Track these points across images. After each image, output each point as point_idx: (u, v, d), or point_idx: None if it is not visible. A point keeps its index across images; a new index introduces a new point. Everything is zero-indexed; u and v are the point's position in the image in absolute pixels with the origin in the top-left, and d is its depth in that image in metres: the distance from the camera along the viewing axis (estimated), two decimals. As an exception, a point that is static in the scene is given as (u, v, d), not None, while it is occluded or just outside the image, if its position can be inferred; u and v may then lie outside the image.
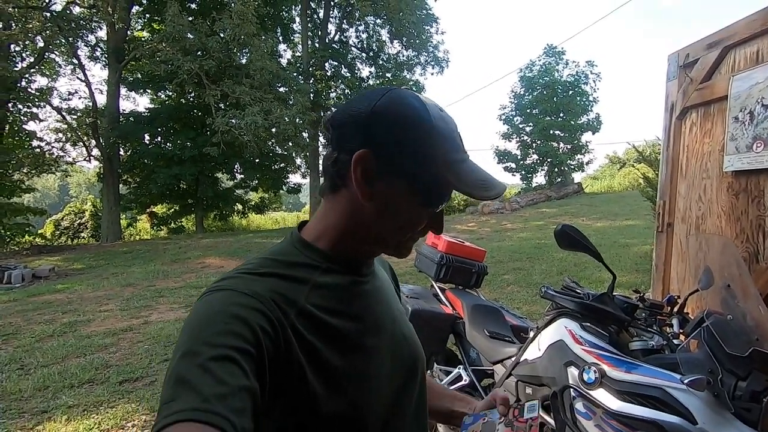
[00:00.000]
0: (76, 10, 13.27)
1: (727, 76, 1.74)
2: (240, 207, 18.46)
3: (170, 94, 15.82)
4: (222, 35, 12.53)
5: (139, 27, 16.02)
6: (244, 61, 13.92)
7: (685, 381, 1.10)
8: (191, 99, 15.35)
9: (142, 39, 14.43)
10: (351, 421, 0.58)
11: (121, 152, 14.98)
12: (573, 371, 1.41)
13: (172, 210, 17.19)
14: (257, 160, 16.07)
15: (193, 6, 14.77)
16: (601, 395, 1.30)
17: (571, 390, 1.38)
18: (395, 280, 0.85)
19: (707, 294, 1.42)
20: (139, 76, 15.32)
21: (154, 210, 17.44)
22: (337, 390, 0.56)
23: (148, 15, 15.29)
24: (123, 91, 15.20)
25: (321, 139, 18.24)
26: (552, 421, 1.49)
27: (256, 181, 17.66)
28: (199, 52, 12.63)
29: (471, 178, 0.58)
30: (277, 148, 16.23)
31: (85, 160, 15.97)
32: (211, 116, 12.45)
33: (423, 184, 0.58)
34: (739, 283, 1.29)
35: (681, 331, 1.43)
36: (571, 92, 19.12)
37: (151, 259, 9.11)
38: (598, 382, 1.31)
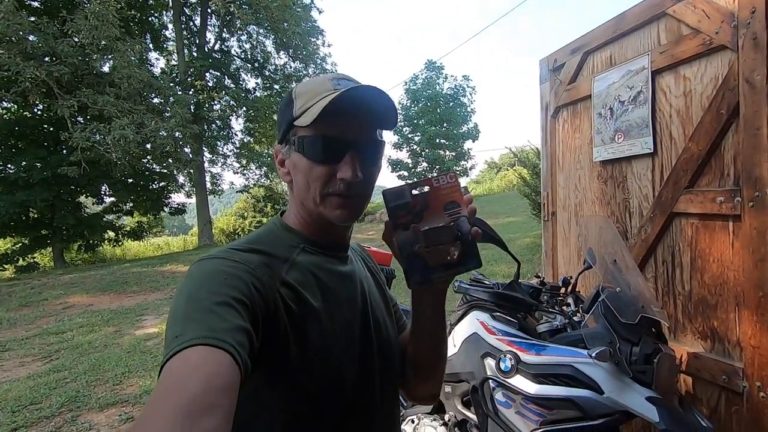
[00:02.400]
0: None
1: (589, 78, 1.96)
2: (112, 234, 16.11)
3: (9, 106, 13.21)
4: (76, 39, 10.86)
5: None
6: (106, 68, 12.25)
7: (592, 354, 1.16)
8: (39, 111, 12.99)
9: (-36, 40, 11.84)
10: (323, 392, 0.61)
11: (-59, 178, 12.01)
12: (490, 362, 1.42)
13: (20, 244, 14.29)
14: (130, 180, 14.24)
15: (36, 4, 12.60)
16: (519, 381, 1.31)
17: (490, 381, 1.38)
18: (373, 262, 0.88)
19: (596, 270, 1.55)
20: (-37, 84, 12.50)
21: (-7, 246, 14.32)
22: (313, 358, 0.60)
23: (-29, 11, 12.59)
24: (-61, 102, 12.25)
25: (206, 153, 16.93)
26: (474, 417, 1.48)
27: (131, 204, 15.61)
28: (46, 57, 10.76)
29: (317, 107, 0.60)
30: (155, 165, 14.60)
31: None
32: (67, 131, 10.68)
33: (295, 142, 0.65)
34: (621, 258, 1.42)
35: (577, 308, 1.54)
36: (451, 104, 20.78)
37: (-10, 306, 7.38)
38: (514, 369, 1.33)
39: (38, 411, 3.11)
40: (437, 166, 20.68)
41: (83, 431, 2.81)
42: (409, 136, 21.11)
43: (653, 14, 1.62)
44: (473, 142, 21.53)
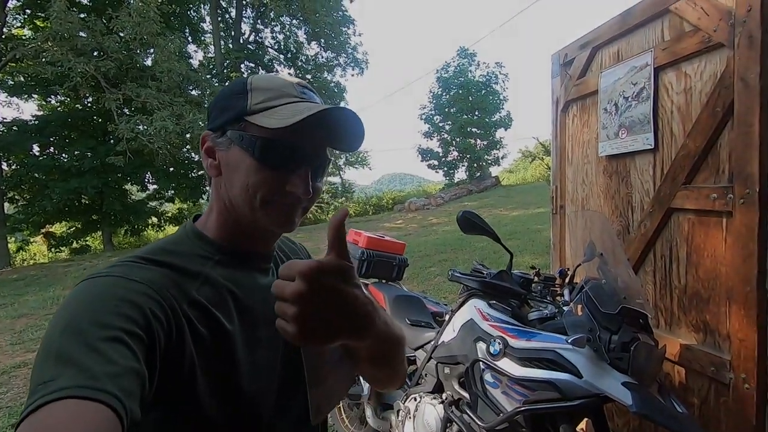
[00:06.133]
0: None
1: (596, 73, 1.98)
2: (155, 220, 17.08)
3: (63, 99, 14.17)
4: (121, 34, 11.48)
5: (18, 24, 14.13)
6: (149, 62, 12.89)
7: (569, 340, 1.24)
8: (89, 104, 13.88)
9: (23, 38, 12.74)
10: (237, 424, 0.56)
11: (4, 166, 13.11)
12: (481, 346, 1.52)
13: (74, 228, 15.42)
14: (171, 169, 14.99)
15: (85, 1, 13.37)
16: (505, 364, 1.41)
17: (480, 363, 1.49)
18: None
19: (589, 264, 1.61)
20: (22, 79, 13.50)
21: (50, 230, 15.51)
22: (224, 388, 0.55)
23: (28, 11, 13.52)
24: (2, 96, 13.34)
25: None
26: (467, 395, 1.60)
27: (172, 191, 16.47)
28: (95, 53, 11.46)
29: (286, 112, 0.56)
30: (194, 154, 15.28)
31: (-44, 177, 13.71)
32: (114, 122, 11.37)
33: (243, 139, 0.58)
34: (612, 252, 1.48)
35: (570, 299, 1.61)
36: (483, 92, 20.37)
37: (48, 284, 8.10)
38: (502, 352, 1.43)
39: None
40: (468, 155, 20.43)
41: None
42: (440, 124, 20.92)
43: (657, 10, 1.63)
44: (506, 130, 21.10)
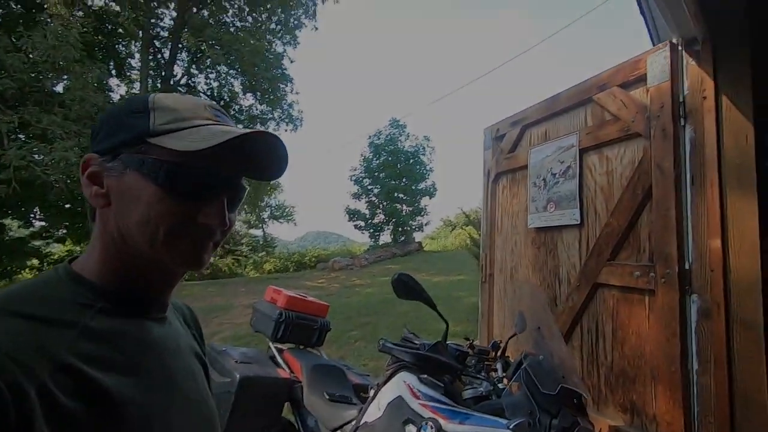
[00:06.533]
0: None
1: (526, 149, 2.08)
2: (36, 262, 14.70)
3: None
4: (31, 55, 10.46)
5: None
6: (60, 88, 11.79)
7: (510, 426, 1.12)
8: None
9: None
10: None
11: None
12: (411, 429, 1.33)
13: None
14: (68, 206, 13.28)
15: (-7, 16, 12.15)
16: (438, 453, 1.24)
17: (410, 452, 1.29)
18: (198, 329, 0.72)
19: (523, 336, 1.55)
20: None
21: None
22: None
23: None
24: None
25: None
26: (393, 490, 1.37)
27: (65, 231, 14.47)
28: (-7, 69, 10.23)
29: (200, 135, 0.49)
30: (97, 192, 13.78)
31: None
32: (2, 147, 9.95)
33: (143, 163, 0.49)
34: (546, 325, 1.44)
35: (504, 374, 1.51)
36: (411, 161, 21.56)
37: None
38: (435, 438, 1.25)
39: None
40: (393, 219, 20.99)
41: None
42: (369, 187, 21.51)
43: (581, 99, 1.78)
44: (430, 199, 22.22)
